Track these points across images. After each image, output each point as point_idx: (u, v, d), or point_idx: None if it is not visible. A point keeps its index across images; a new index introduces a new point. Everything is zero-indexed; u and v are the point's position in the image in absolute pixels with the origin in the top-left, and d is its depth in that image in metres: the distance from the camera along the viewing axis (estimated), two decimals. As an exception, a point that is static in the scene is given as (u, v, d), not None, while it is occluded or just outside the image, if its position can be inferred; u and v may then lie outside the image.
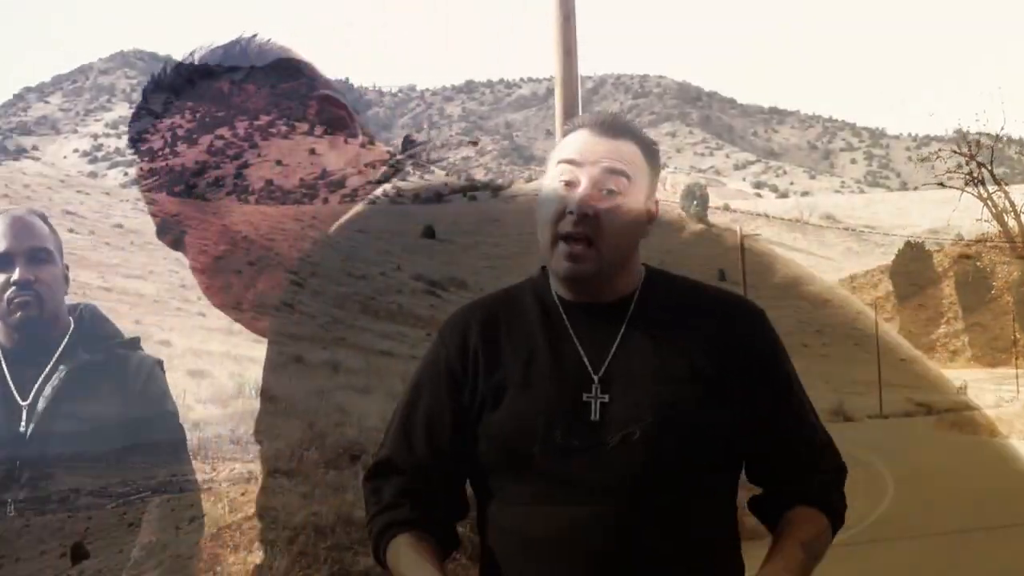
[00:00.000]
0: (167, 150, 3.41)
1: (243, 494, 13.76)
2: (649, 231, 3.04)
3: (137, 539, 3.66)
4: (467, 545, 3.36)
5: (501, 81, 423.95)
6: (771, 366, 3.01)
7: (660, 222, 3.02)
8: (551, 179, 2.99)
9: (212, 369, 24.28)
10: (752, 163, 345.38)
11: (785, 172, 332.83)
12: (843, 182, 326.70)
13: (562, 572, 2.78)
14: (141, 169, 3.44)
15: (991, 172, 77.84)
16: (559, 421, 2.85)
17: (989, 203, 77.53)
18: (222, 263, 3.47)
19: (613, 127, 3.00)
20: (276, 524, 13.01)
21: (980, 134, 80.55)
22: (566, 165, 2.96)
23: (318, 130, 3.57)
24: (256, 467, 14.98)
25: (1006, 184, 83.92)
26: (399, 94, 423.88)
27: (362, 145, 3.62)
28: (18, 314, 3.67)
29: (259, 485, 14.26)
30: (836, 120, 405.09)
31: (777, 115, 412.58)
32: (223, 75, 3.48)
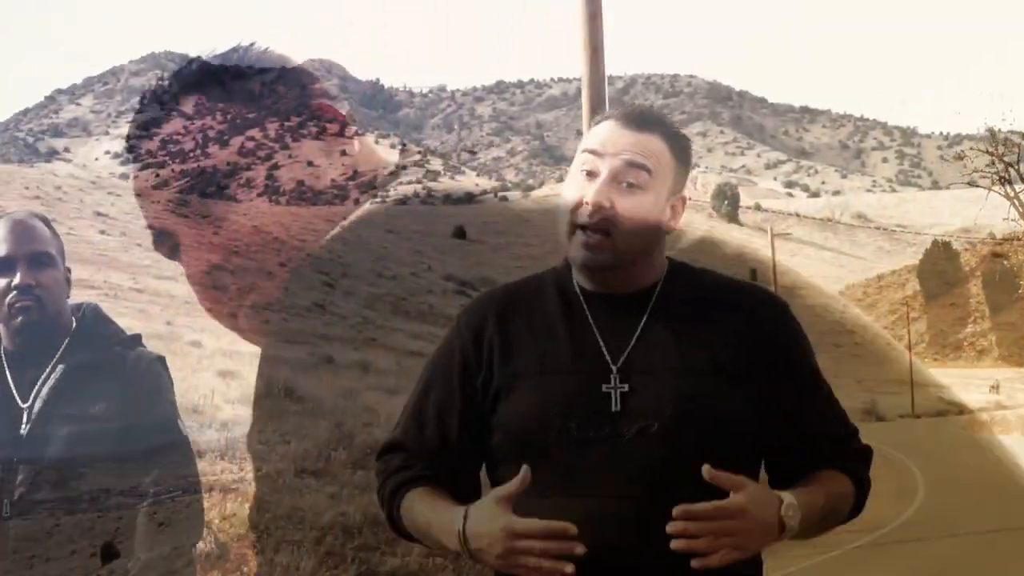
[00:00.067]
0: (198, 151, 3.41)
1: (270, 494, 13.79)
2: (674, 227, 3.00)
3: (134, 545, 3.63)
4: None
5: (531, 81, 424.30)
6: (794, 359, 2.96)
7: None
8: (574, 167, 2.97)
9: (242, 370, 24.27)
10: (783, 162, 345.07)
11: (816, 171, 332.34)
12: (874, 181, 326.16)
13: (578, 565, 2.71)
14: (172, 171, 3.45)
15: (1017, 171, 77.35)
16: (575, 412, 2.81)
17: (1016, 202, 77.07)
18: (215, 274, 3.48)
19: (640, 120, 2.95)
20: (303, 524, 13.02)
21: (1012, 132, 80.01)
22: (589, 155, 2.93)
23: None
24: (284, 467, 15.02)
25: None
26: (429, 95, 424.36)
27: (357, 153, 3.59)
28: (19, 318, 3.65)
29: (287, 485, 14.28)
30: (867, 119, 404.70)
31: (808, 114, 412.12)
32: (254, 77, 3.48)
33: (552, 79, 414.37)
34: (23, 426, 3.59)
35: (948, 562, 16.47)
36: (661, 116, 3.02)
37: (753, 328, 2.91)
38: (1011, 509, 20.56)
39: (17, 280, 3.64)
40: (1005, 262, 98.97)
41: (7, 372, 3.68)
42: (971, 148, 79.69)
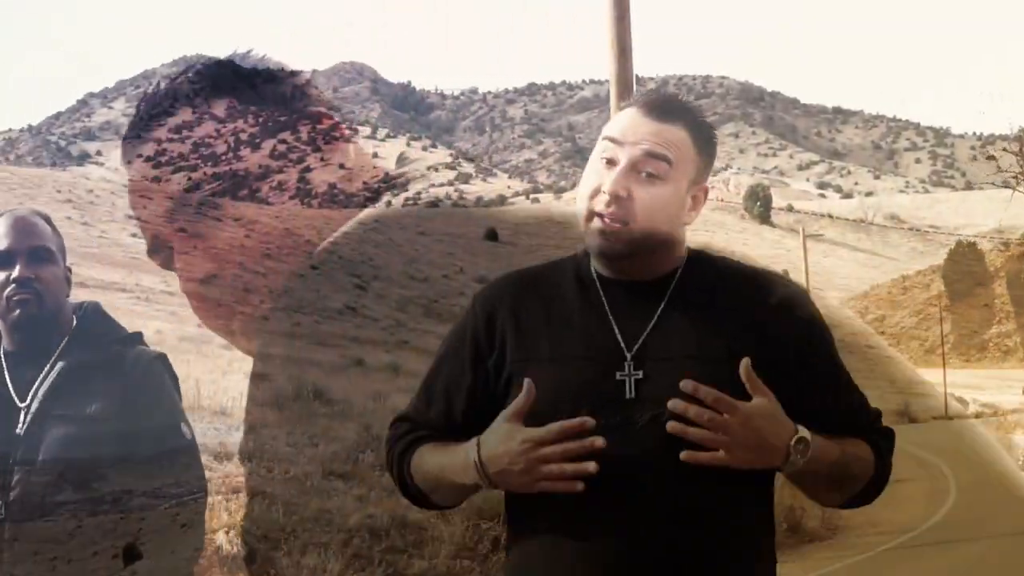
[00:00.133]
0: (230, 154, 3.42)
1: (298, 497, 13.83)
2: (694, 217, 2.98)
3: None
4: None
5: (563, 83, 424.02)
6: (813, 347, 2.93)
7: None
8: (594, 154, 2.96)
9: (272, 372, 24.34)
10: (816, 163, 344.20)
11: (849, 172, 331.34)
12: (907, 182, 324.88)
13: (588, 551, 2.75)
14: (204, 174, 3.45)
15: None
16: (588, 399, 2.79)
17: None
18: (209, 286, 3.48)
19: (663, 109, 2.93)
20: (331, 527, 13.05)
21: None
22: (608, 142, 2.92)
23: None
24: (312, 469, 15.04)
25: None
26: (461, 97, 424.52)
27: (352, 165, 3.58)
28: (17, 311, 3.64)
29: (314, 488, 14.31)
30: (900, 119, 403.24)
31: (841, 115, 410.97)
32: (286, 79, 3.48)
33: (584, 81, 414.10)
34: (19, 426, 3.59)
35: (979, 564, 16.42)
36: (685, 105, 3.00)
37: (771, 316, 2.89)
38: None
39: (16, 273, 3.64)
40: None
41: (6, 372, 3.67)
42: (1004, 149, 79.30)
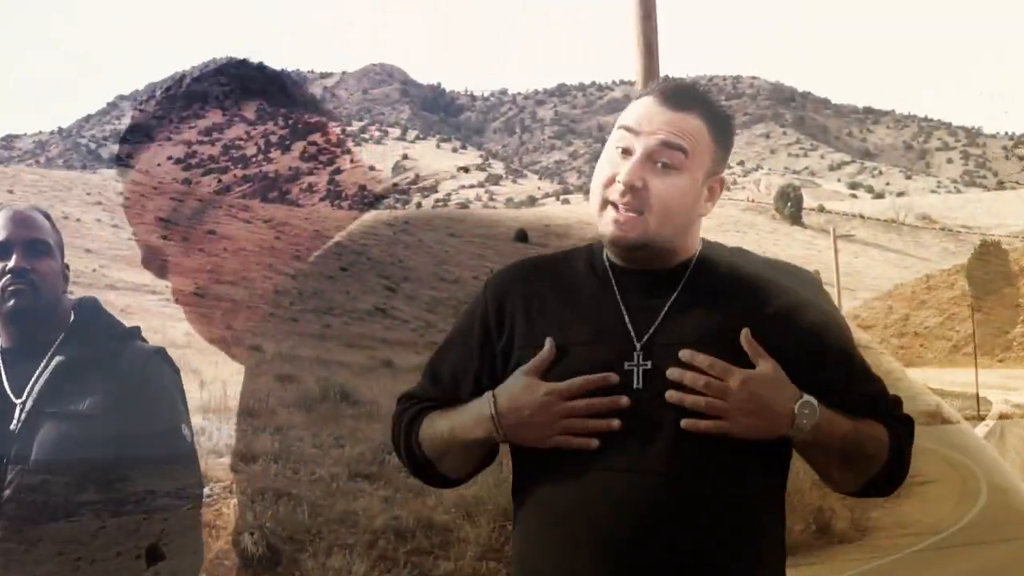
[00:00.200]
0: (260, 156, 3.41)
1: (323, 498, 13.83)
2: (710, 208, 2.97)
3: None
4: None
5: (593, 84, 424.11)
6: (826, 336, 2.89)
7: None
8: (610, 142, 2.94)
9: (300, 374, 24.35)
10: (847, 164, 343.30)
11: (880, 172, 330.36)
12: (939, 182, 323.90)
13: (593, 538, 2.73)
14: (235, 176, 3.44)
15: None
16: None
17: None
18: (203, 297, 3.46)
19: (679, 98, 2.89)
20: (356, 528, 13.05)
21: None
22: (624, 131, 2.89)
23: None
24: (337, 471, 15.04)
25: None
26: (491, 98, 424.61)
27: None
28: (11, 302, 3.64)
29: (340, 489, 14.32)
30: (932, 119, 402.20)
31: (872, 115, 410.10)
32: (315, 81, 3.47)
33: (614, 82, 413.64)
34: (14, 423, 3.58)
35: (1011, 566, 16.34)
36: (702, 94, 2.97)
37: (781, 304, 2.86)
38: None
39: (12, 264, 3.65)
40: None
41: (1, 369, 3.67)
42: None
